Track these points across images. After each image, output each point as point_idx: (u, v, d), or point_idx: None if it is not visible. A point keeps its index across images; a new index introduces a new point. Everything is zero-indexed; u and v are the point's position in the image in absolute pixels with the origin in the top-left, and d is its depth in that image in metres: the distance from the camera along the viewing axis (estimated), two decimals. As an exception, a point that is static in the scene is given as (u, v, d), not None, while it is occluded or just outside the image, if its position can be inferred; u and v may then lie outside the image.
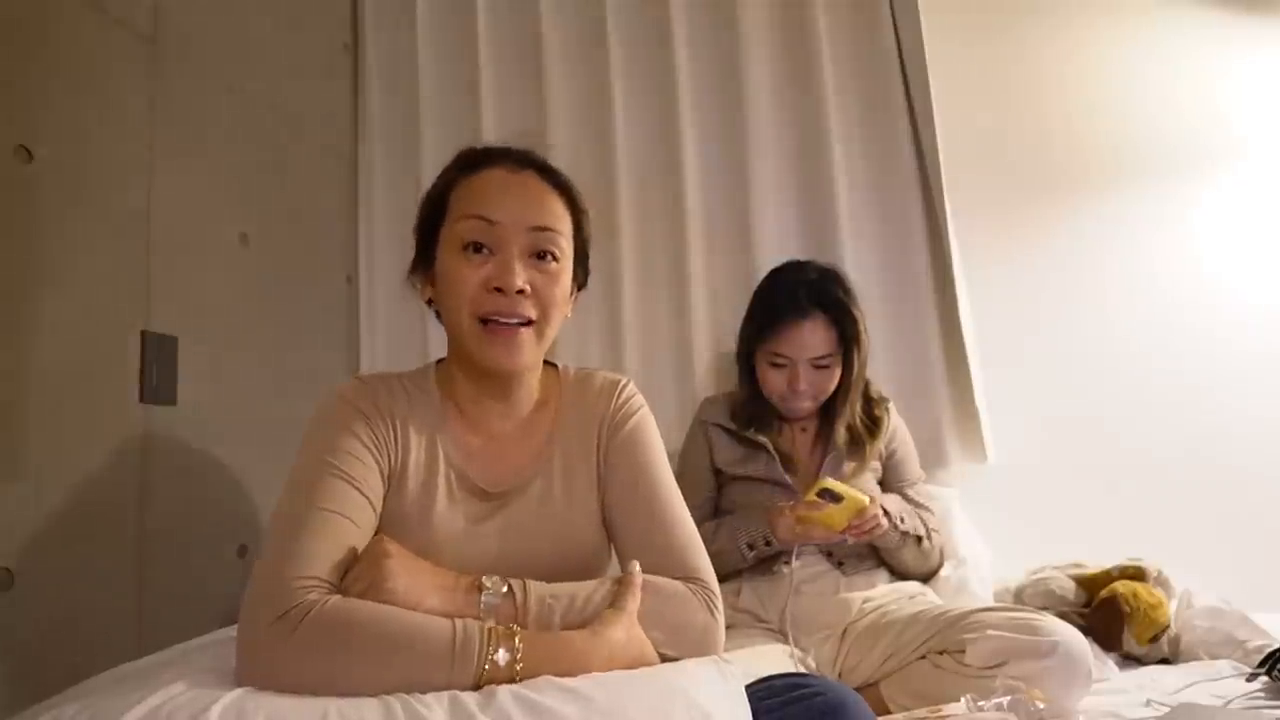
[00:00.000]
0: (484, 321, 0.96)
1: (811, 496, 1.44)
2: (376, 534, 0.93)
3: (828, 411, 1.66)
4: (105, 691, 0.73)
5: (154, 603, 1.36)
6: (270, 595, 0.78)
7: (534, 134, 1.11)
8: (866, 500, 1.44)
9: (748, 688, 0.83)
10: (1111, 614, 1.54)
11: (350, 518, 0.88)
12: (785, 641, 1.46)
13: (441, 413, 1.03)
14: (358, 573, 0.83)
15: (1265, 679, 1.25)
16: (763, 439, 1.63)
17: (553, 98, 2.08)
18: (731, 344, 1.76)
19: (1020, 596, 1.68)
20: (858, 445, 1.64)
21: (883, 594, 1.52)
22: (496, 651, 0.77)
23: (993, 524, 1.82)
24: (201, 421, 1.50)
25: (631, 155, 2.05)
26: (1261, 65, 1.99)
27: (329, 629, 0.76)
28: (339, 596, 0.80)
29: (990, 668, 1.22)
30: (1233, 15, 2.01)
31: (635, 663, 0.83)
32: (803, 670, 1.31)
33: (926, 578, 1.65)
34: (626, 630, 0.84)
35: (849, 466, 1.62)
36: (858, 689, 1.13)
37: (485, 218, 0.97)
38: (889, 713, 1.28)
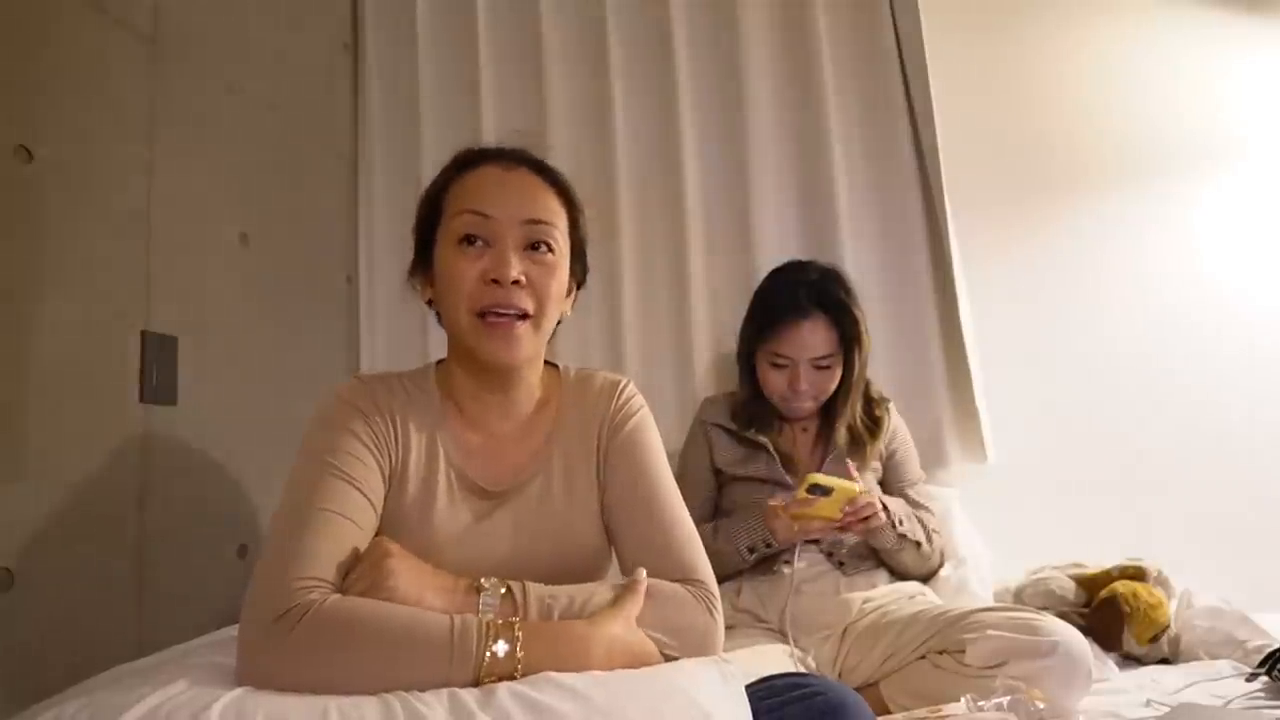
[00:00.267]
0: (482, 316, 0.97)
1: (802, 494, 1.44)
2: (377, 534, 0.93)
3: (828, 412, 1.66)
4: (106, 690, 0.73)
5: (154, 603, 1.36)
6: (270, 595, 0.78)
7: (532, 134, 1.11)
8: (857, 488, 1.44)
9: (748, 687, 0.83)
10: (1111, 614, 1.54)
11: (351, 518, 0.89)
12: (785, 641, 1.46)
13: (441, 412, 1.03)
14: (359, 573, 0.83)
15: (1265, 679, 1.26)
16: (763, 439, 1.63)
17: (553, 98, 2.08)
18: (731, 344, 1.76)
19: (1020, 596, 1.68)
20: (858, 445, 1.63)
21: (883, 594, 1.52)
22: (495, 643, 0.77)
23: (993, 524, 1.82)
24: (201, 421, 1.50)
25: (631, 155, 2.05)
26: (1261, 65, 1.99)
27: (328, 628, 0.76)
28: (338, 595, 0.80)
29: (990, 668, 1.22)
30: (1233, 15, 2.01)
31: (636, 658, 0.83)
32: (803, 670, 1.32)
33: (926, 578, 1.65)
34: (625, 626, 0.84)
35: (849, 466, 1.61)
36: (858, 689, 1.13)
37: (480, 212, 0.98)
38: (889, 713, 1.28)
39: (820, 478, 1.43)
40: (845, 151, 1.98)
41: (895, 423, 1.71)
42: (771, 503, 1.49)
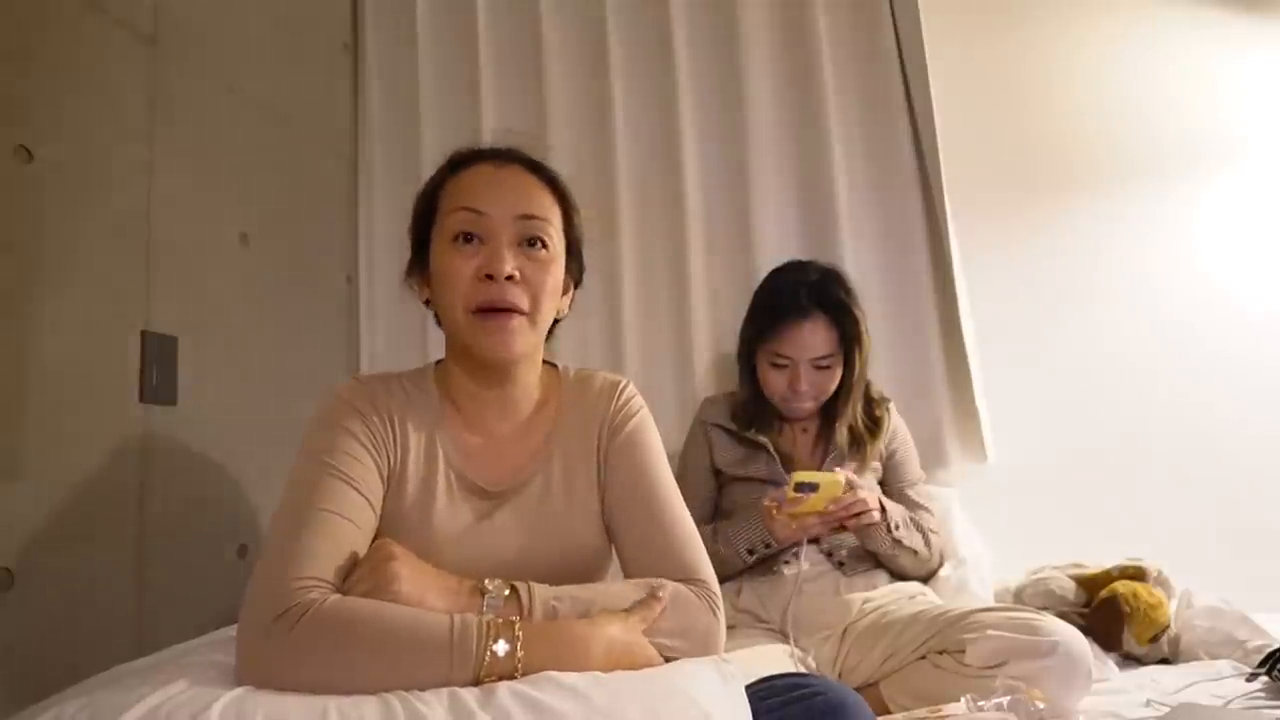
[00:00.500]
0: (477, 312, 0.97)
1: (792, 494, 1.44)
2: (378, 536, 0.93)
3: (828, 412, 1.66)
4: (106, 690, 0.73)
5: (154, 603, 1.36)
6: (269, 595, 0.78)
7: (527, 134, 1.12)
8: (842, 479, 1.44)
9: (748, 688, 0.83)
10: (1111, 614, 1.54)
11: (349, 518, 0.89)
12: (785, 641, 1.46)
13: (440, 412, 1.03)
14: (361, 575, 0.83)
15: (1265, 679, 1.25)
16: (763, 439, 1.63)
17: (553, 98, 2.08)
18: (731, 344, 1.76)
19: (1020, 596, 1.68)
20: (858, 445, 1.64)
21: (883, 594, 1.52)
22: (496, 642, 0.77)
23: (993, 524, 1.82)
24: (201, 421, 1.50)
25: (631, 155, 2.05)
26: (1261, 65, 1.99)
27: (328, 627, 0.76)
28: (338, 595, 0.80)
29: (990, 668, 1.22)
30: (1233, 15, 2.01)
31: (636, 659, 0.83)
32: (803, 670, 1.32)
33: (926, 578, 1.65)
34: (623, 627, 0.84)
35: (850, 466, 1.61)
36: (858, 689, 1.13)
37: (473, 209, 0.98)
38: (889, 713, 1.28)
39: (804, 475, 1.44)
40: (845, 151, 1.98)
41: (895, 423, 1.71)
42: (765, 503, 1.49)
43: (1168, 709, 1.17)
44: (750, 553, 1.54)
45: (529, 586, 0.85)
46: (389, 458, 0.97)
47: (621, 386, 1.09)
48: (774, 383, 1.63)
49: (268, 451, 1.61)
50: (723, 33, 2.04)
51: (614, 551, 1.05)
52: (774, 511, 1.48)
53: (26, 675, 1.13)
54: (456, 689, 0.73)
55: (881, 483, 1.67)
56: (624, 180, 2.04)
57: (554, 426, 1.05)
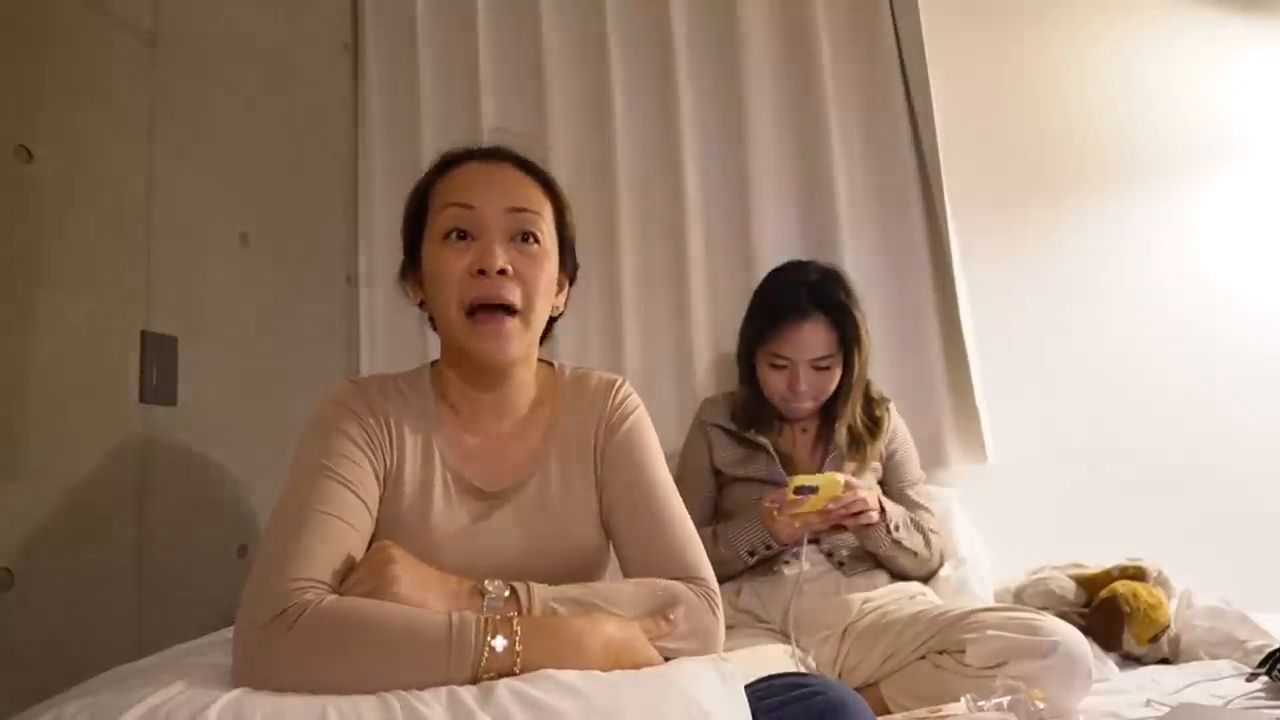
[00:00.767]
0: (471, 313, 0.96)
1: (792, 497, 1.45)
2: (375, 538, 0.93)
3: (828, 412, 1.66)
4: (105, 691, 0.73)
5: (154, 603, 1.36)
6: (265, 597, 0.78)
7: (522, 135, 1.12)
8: (840, 479, 1.45)
9: (747, 687, 0.83)
10: (1111, 614, 1.54)
11: (345, 520, 0.88)
12: (786, 641, 1.46)
13: (436, 413, 1.03)
14: (361, 576, 0.83)
15: (1265, 679, 1.25)
16: (763, 440, 1.63)
17: (553, 98, 2.08)
18: (731, 344, 1.76)
19: (1020, 596, 1.68)
20: (858, 446, 1.63)
21: (883, 594, 1.52)
22: (494, 638, 0.76)
23: (993, 524, 1.82)
24: (201, 421, 1.50)
25: (631, 155, 2.05)
26: (1262, 65, 1.99)
27: (325, 628, 0.76)
28: (335, 595, 0.80)
29: (990, 668, 1.22)
30: (1233, 15, 2.01)
31: (636, 656, 0.83)
32: (803, 670, 1.32)
33: (926, 578, 1.65)
34: (619, 625, 0.84)
35: (850, 467, 1.62)
36: (858, 689, 1.13)
37: (464, 204, 0.98)
38: (889, 713, 1.28)
39: (803, 478, 1.45)
40: (845, 151, 1.97)
41: (895, 423, 1.71)
42: (765, 504, 1.49)
43: (1168, 709, 1.17)
44: (751, 554, 1.54)
45: (528, 586, 0.85)
46: (385, 460, 0.97)
47: (617, 385, 1.09)
48: (774, 383, 1.63)
49: (268, 451, 1.61)
50: (723, 33, 2.04)
51: (612, 550, 1.05)
52: (775, 513, 1.48)
53: (26, 675, 1.13)
54: (455, 688, 0.72)
55: (881, 483, 1.67)
56: (624, 181, 2.04)
57: (551, 426, 1.05)
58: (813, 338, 1.58)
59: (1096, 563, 1.67)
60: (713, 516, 1.68)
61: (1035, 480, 1.91)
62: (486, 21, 2.13)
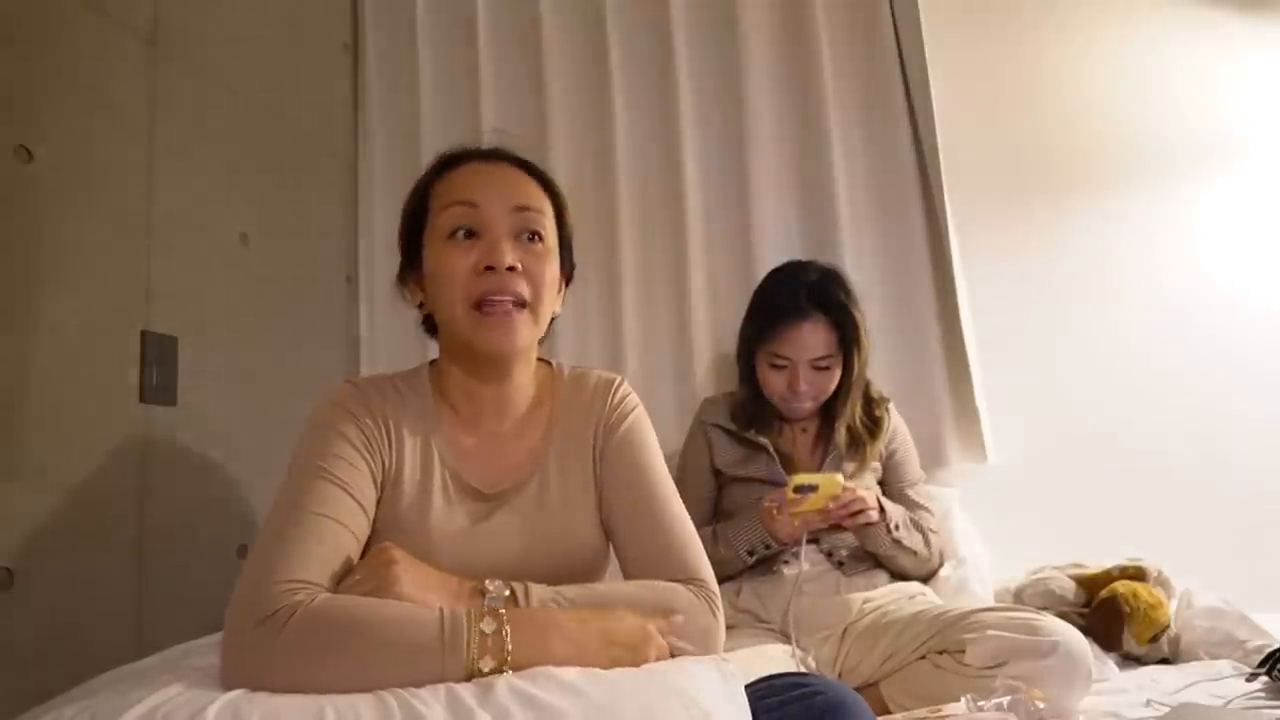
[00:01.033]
0: (478, 307, 0.96)
1: (791, 496, 1.45)
2: (373, 539, 0.93)
3: (828, 412, 1.66)
4: (104, 692, 0.73)
5: (154, 603, 1.36)
6: (255, 598, 0.78)
7: (517, 135, 1.11)
8: (839, 478, 1.44)
9: (747, 687, 0.83)
10: (1111, 614, 1.54)
11: (339, 521, 0.88)
12: (786, 641, 1.46)
13: (436, 413, 1.02)
14: (362, 576, 0.83)
15: (1265, 679, 1.25)
16: (763, 440, 1.63)
17: (553, 98, 2.08)
18: (731, 344, 1.76)
19: (1020, 596, 1.68)
20: (858, 445, 1.63)
21: (883, 594, 1.52)
22: (481, 620, 0.76)
23: (993, 524, 1.82)
24: (201, 421, 1.50)
25: (631, 155, 2.05)
26: (1263, 65, 1.99)
27: (316, 627, 0.75)
28: (327, 595, 0.80)
29: (990, 668, 1.22)
30: (1233, 15, 2.01)
31: (634, 633, 0.83)
32: (803, 670, 1.32)
33: (926, 578, 1.65)
34: (621, 618, 0.84)
35: (849, 467, 1.62)
36: (858, 689, 1.13)
37: (468, 202, 0.97)
38: (889, 713, 1.28)
39: (802, 477, 1.45)
40: (845, 151, 1.97)
41: (895, 423, 1.71)
42: (765, 504, 1.49)
43: (1168, 709, 1.16)
44: (750, 554, 1.54)
45: (527, 587, 0.85)
46: (384, 461, 0.97)
47: (616, 385, 1.09)
48: (773, 383, 1.63)
49: (268, 451, 1.61)
50: (722, 33, 2.04)
51: (612, 550, 1.05)
52: (774, 512, 1.48)
53: (26, 675, 1.13)
54: (453, 686, 0.72)
55: (881, 483, 1.67)
56: (624, 180, 2.04)
57: (549, 426, 1.05)
58: (812, 338, 1.58)
59: (1096, 563, 1.67)
60: (713, 516, 1.67)
61: (1035, 480, 1.91)
62: (486, 21, 2.13)
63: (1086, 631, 1.39)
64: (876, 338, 1.72)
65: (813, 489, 1.44)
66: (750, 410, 1.67)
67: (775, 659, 1.38)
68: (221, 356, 1.57)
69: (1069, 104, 2.05)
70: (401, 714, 0.68)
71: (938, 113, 1.90)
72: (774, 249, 1.93)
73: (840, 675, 1.40)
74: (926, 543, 1.60)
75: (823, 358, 1.59)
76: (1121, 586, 1.57)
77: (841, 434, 1.63)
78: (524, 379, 1.05)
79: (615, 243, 2.02)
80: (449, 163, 1.03)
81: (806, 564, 1.54)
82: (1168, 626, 1.54)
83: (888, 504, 1.55)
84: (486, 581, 0.84)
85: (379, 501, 0.96)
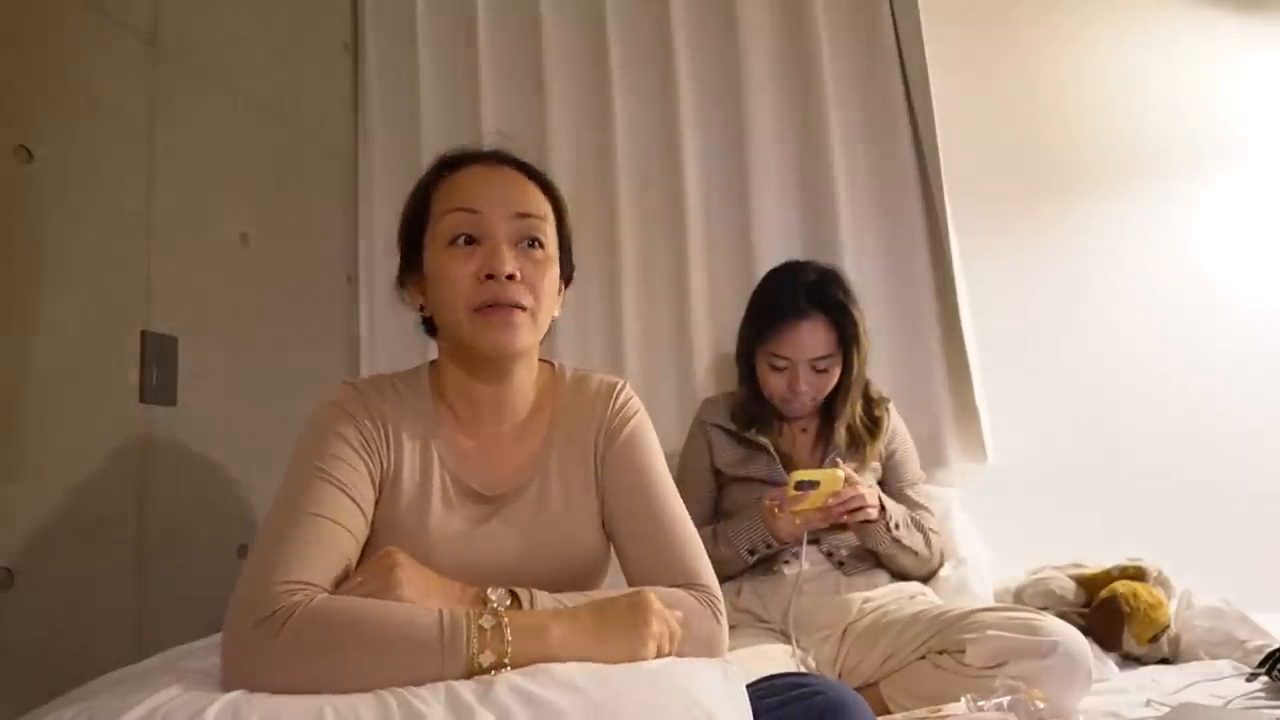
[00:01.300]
0: (480, 310, 0.96)
1: (792, 492, 1.44)
2: (372, 541, 0.93)
3: (828, 411, 1.66)
4: (103, 694, 0.73)
5: (154, 603, 1.36)
6: (254, 600, 0.77)
7: (512, 137, 1.11)
8: (841, 475, 1.44)
9: (748, 687, 0.83)
10: (1111, 614, 1.54)
11: (339, 522, 0.88)
12: (786, 641, 1.46)
13: (435, 415, 1.02)
14: (364, 579, 0.83)
15: (1265, 679, 1.25)
16: (763, 440, 1.63)
17: (553, 98, 2.08)
18: (731, 344, 1.76)
19: (1020, 596, 1.68)
20: (858, 445, 1.63)
21: (883, 594, 1.52)
22: (482, 618, 0.77)
23: (993, 524, 1.81)
24: (201, 421, 1.50)
25: (631, 155, 2.05)
26: (1262, 65, 1.99)
27: (314, 628, 0.75)
28: (325, 595, 0.80)
29: (990, 668, 1.22)
30: (1234, 15, 2.01)
31: (637, 602, 0.83)
32: (803, 670, 1.32)
33: (927, 578, 1.65)
34: (613, 599, 0.85)
35: (849, 466, 1.61)
36: (858, 689, 1.13)
37: (469, 208, 0.97)
38: (889, 713, 1.28)
39: (803, 473, 1.45)
40: (845, 151, 1.97)
41: (895, 423, 1.71)
42: (766, 502, 1.49)
43: (1168, 709, 1.17)
44: (751, 553, 1.54)
45: (530, 593, 0.85)
46: (383, 463, 0.96)
47: (618, 389, 1.08)
48: (773, 383, 1.63)
49: (268, 451, 1.61)
50: (722, 33, 2.04)
51: (613, 554, 1.04)
52: (775, 510, 1.48)
53: (26, 675, 1.13)
54: (453, 684, 0.72)
55: (881, 483, 1.67)
56: (624, 180, 2.04)
57: (550, 429, 1.05)
58: (811, 338, 1.58)
59: (1096, 563, 1.67)
60: (713, 516, 1.68)
61: (1035, 480, 1.91)
62: (486, 21, 2.13)
63: (1086, 631, 1.39)
64: (876, 338, 1.72)
65: (814, 485, 1.44)
66: (750, 410, 1.67)
67: (775, 659, 1.38)
68: (221, 356, 1.57)
69: (1069, 104, 2.05)
70: (401, 713, 0.68)
71: (938, 113, 1.90)
72: (774, 249, 1.93)
73: (840, 675, 1.40)
74: (927, 542, 1.60)
75: (822, 357, 1.59)
76: (1121, 586, 1.57)
77: (841, 434, 1.63)
78: (524, 381, 1.04)
79: (615, 243, 2.02)
80: (450, 165, 1.03)
81: (806, 564, 1.54)
82: (1168, 626, 1.54)
83: (889, 502, 1.55)
84: (489, 590, 0.84)
85: (377, 503, 0.95)
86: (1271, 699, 1.21)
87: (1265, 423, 1.88)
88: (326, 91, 2.06)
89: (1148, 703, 1.23)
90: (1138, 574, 1.61)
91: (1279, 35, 1.99)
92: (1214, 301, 1.95)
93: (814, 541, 1.57)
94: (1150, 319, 1.97)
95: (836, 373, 1.61)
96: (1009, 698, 1.08)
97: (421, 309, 1.05)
